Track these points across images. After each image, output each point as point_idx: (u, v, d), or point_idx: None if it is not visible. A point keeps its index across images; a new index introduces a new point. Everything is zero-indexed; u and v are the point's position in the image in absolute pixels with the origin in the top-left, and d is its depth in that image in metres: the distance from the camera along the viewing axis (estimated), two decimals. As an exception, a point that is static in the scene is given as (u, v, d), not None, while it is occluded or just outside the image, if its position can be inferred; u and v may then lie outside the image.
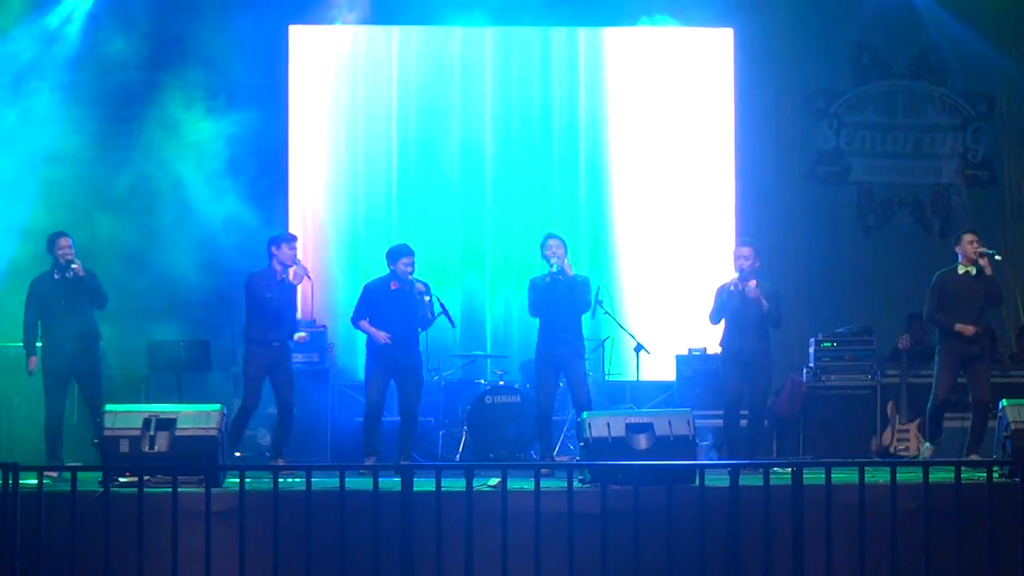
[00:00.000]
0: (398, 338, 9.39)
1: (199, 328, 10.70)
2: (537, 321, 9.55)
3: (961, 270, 9.27)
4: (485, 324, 12.12)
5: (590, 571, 6.52)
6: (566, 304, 9.35)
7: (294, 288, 9.41)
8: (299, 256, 9.48)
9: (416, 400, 9.49)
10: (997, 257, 9.25)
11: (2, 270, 10.93)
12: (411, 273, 9.44)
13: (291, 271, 9.27)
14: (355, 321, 9.63)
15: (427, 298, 9.44)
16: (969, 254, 9.22)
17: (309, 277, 9.45)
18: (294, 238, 9.52)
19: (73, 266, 8.99)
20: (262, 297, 9.16)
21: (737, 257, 9.42)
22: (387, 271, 9.54)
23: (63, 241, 9.14)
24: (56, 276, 9.09)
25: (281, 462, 9.03)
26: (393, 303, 9.43)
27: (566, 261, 9.33)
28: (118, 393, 9.50)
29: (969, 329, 9.09)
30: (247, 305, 9.29)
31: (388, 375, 9.46)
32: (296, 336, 9.49)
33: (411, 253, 9.51)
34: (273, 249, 9.30)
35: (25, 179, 11.16)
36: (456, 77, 12.27)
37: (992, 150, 12.59)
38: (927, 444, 9.41)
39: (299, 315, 10.06)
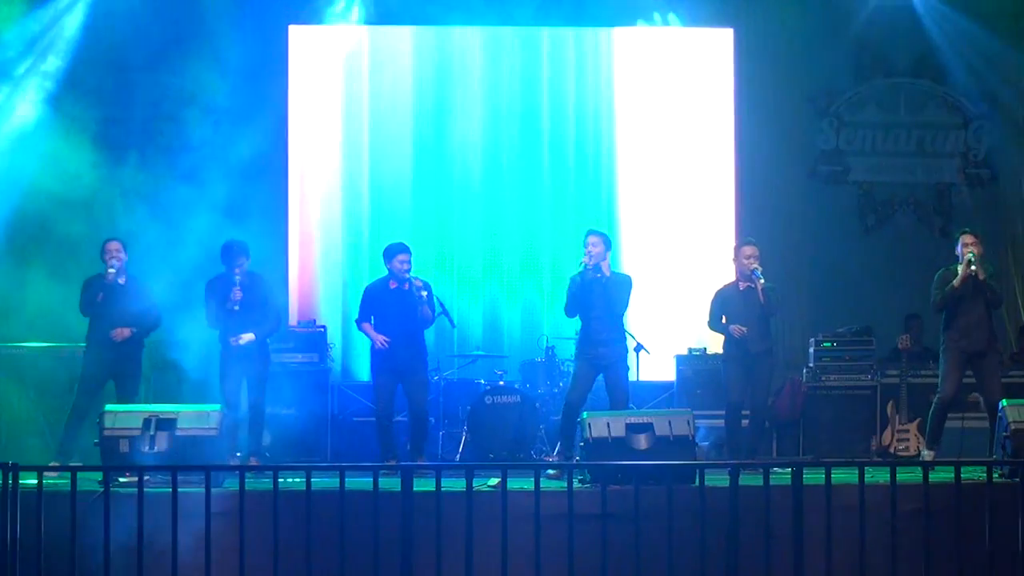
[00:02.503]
0: (400, 339, 9.32)
1: (199, 328, 10.68)
2: (576, 319, 9.39)
3: (972, 271, 9.05)
4: (486, 324, 12.12)
5: (590, 571, 6.53)
6: (602, 303, 9.20)
7: (254, 291, 9.27)
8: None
9: (424, 400, 9.46)
10: (972, 267, 8.92)
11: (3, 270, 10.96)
12: (407, 271, 9.35)
13: (234, 291, 9.16)
14: (358, 324, 9.61)
15: (424, 293, 9.30)
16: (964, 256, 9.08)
17: (239, 302, 9.20)
18: (242, 251, 9.28)
19: (110, 271, 9.12)
20: (219, 306, 9.16)
21: (748, 257, 9.39)
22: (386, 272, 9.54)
23: (109, 245, 9.26)
24: (107, 279, 9.20)
25: (254, 461, 9.03)
26: (393, 303, 9.37)
27: (605, 259, 9.18)
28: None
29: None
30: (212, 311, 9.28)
31: (394, 378, 9.39)
32: (234, 337, 9.15)
33: (405, 250, 9.41)
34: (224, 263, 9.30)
35: (24, 179, 11.15)
36: (456, 77, 12.27)
37: (994, 149, 12.57)
38: (926, 450, 9.25)
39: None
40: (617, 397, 9.19)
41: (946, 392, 9.05)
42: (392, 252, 9.43)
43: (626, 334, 9.62)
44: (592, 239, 9.23)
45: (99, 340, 9.18)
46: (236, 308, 9.16)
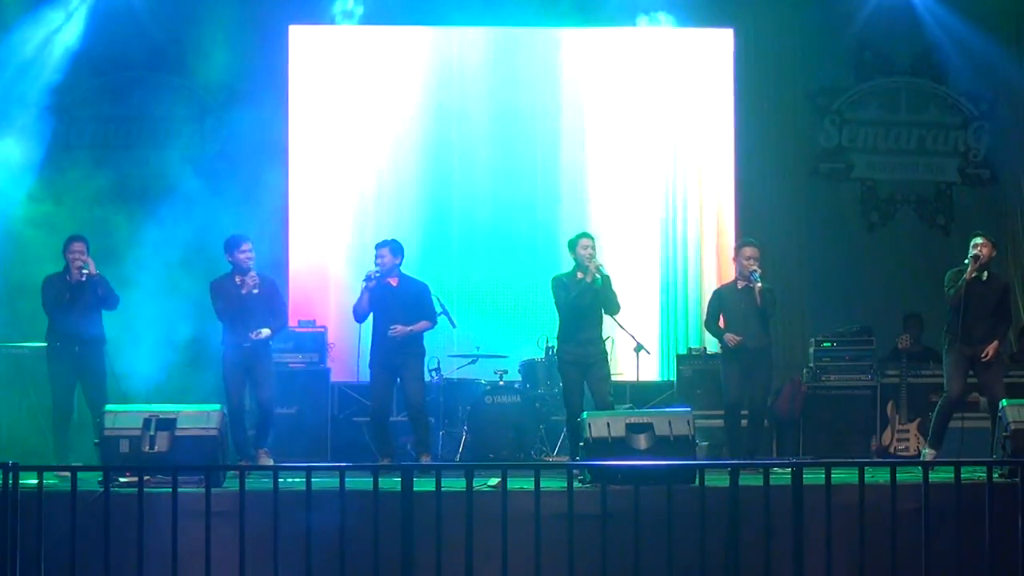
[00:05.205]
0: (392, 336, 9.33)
1: (199, 328, 10.69)
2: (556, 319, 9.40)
3: (973, 273, 9.06)
4: (486, 324, 12.12)
5: (590, 571, 6.52)
6: (595, 305, 9.26)
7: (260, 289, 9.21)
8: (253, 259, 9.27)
9: (419, 398, 9.44)
10: (968, 271, 8.99)
11: (3, 270, 10.95)
12: (378, 268, 9.34)
13: (247, 280, 9.12)
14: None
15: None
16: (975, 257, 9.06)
17: (256, 290, 9.14)
18: (242, 241, 9.24)
19: (84, 271, 9.07)
20: (221, 305, 9.15)
21: (748, 258, 9.39)
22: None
23: (76, 245, 9.22)
24: (68, 278, 9.16)
25: (264, 452, 9.04)
26: (386, 298, 9.37)
27: (596, 261, 9.16)
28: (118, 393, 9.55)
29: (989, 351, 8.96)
30: (215, 311, 9.26)
31: (390, 375, 9.40)
32: (253, 333, 9.09)
33: (381, 245, 9.46)
34: (227, 257, 9.24)
35: (25, 179, 11.15)
36: (454, 77, 12.28)
37: (993, 149, 12.57)
38: (927, 449, 9.24)
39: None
40: (603, 397, 9.17)
41: (952, 393, 9.03)
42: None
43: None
44: (587, 241, 9.25)
45: (65, 337, 9.14)
46: (256, 291, 9.11)
